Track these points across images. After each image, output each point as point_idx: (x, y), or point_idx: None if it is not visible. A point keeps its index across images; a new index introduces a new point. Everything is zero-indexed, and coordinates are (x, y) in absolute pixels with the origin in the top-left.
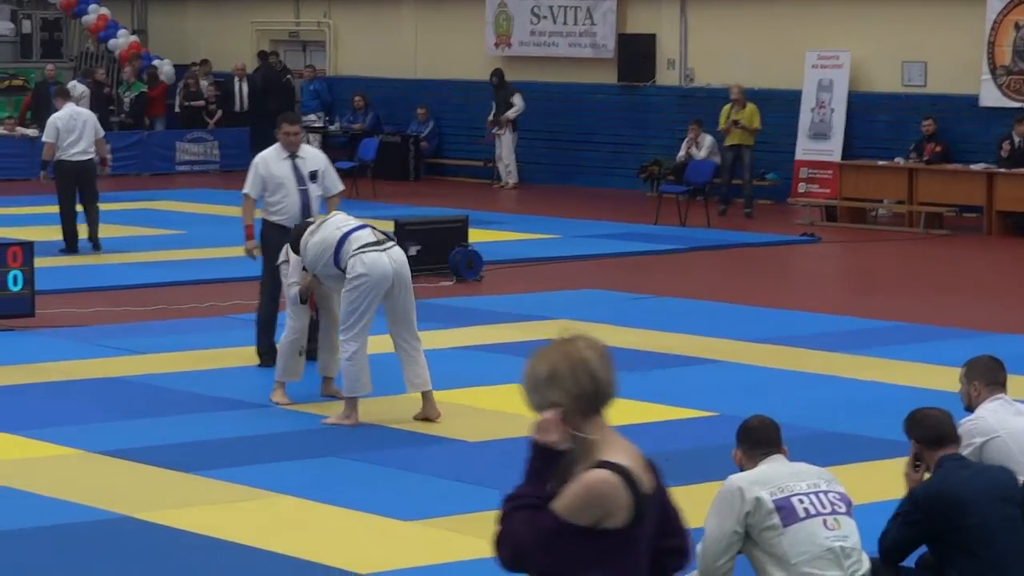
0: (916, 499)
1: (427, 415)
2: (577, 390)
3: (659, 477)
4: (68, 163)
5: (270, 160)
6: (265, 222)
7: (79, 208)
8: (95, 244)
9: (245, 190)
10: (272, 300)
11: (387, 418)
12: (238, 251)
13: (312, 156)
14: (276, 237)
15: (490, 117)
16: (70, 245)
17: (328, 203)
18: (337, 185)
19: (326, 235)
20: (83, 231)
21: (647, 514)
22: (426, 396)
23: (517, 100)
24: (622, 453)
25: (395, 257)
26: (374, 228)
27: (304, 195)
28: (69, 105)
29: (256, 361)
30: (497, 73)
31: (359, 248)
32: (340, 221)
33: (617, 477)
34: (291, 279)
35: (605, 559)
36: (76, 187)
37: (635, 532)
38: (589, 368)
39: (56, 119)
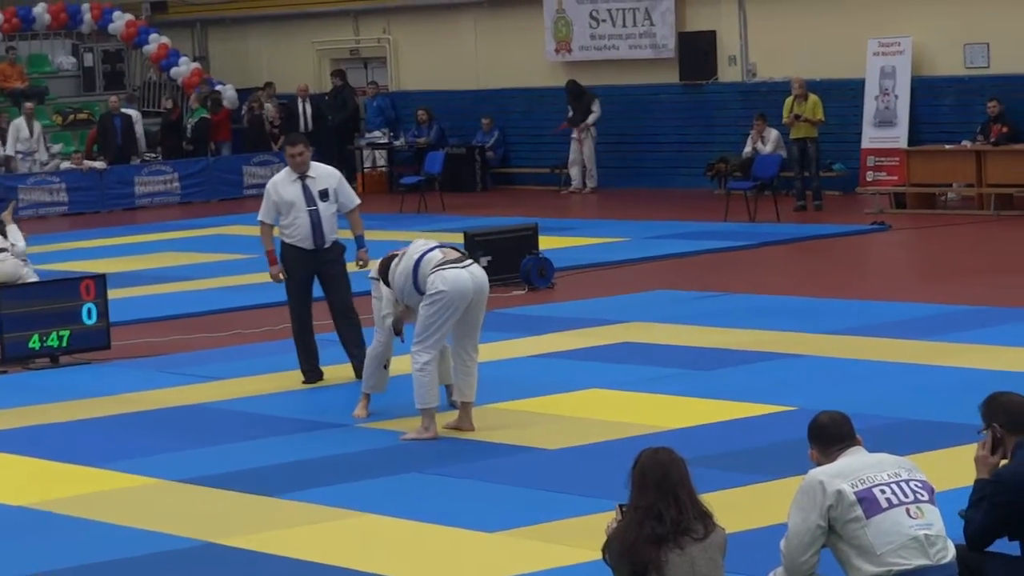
0: (1003, 480)
1: (461, 426)
2: None
3: None
4: None
5: (279, 184)
6: (283, 244)
7: None
8: None
9: (260, 217)
10: (302, 320)
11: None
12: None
13: (323, 174)
14: (295, 258)
15: (564, 123)
16: None
17: (349, 218)
18: (353, 200)
19: (406, 262)
20: None
21: None
22: (466, 407)
23: (596, 107)
24: None
25: (475, 274)
26: (443, 247)
27: (314, 215)
28: None
29: (319, 382)
30: (573, 82)
31: (437, 266)
32: (417, 247)
33: None
34: (385, 311)
35: None
36: None
37: None
38: None
39: None
